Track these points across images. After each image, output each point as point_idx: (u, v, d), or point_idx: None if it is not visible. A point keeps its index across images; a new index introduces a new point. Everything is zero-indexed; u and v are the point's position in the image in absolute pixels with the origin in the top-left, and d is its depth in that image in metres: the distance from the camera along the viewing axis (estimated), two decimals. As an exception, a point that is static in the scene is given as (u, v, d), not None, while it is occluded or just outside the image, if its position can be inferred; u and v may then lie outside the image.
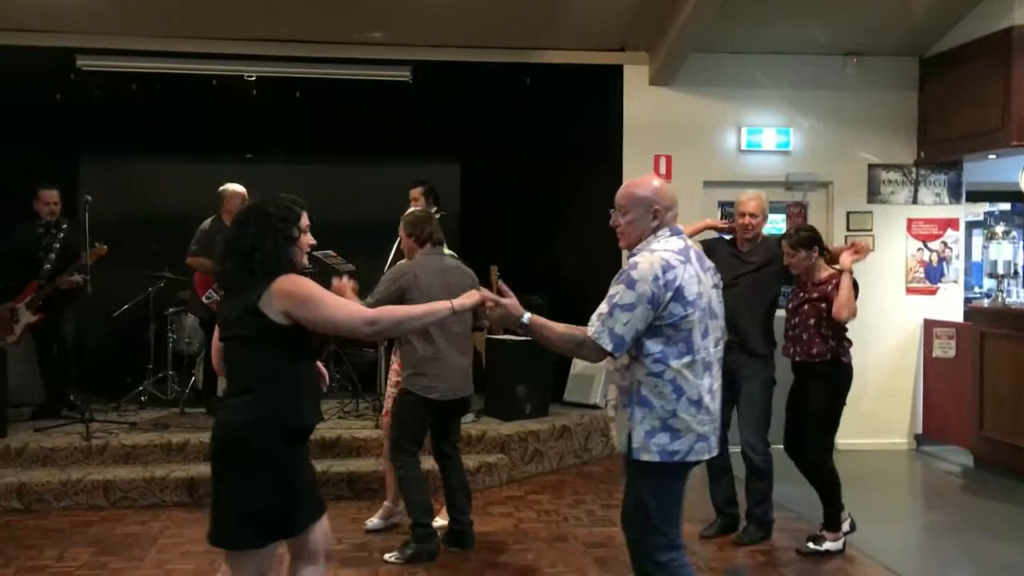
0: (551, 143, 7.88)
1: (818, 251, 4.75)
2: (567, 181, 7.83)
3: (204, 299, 6.76)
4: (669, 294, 2.89)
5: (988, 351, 6.61)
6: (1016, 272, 6.60)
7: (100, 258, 6.61)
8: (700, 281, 2.98)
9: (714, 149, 7.46)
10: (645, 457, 2.97)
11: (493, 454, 6.26)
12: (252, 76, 7.27)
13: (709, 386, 3.02)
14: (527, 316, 3.00)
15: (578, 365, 7.61)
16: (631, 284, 2.89)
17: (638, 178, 3.24)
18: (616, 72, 7.37)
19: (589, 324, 2.94)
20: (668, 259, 2.93)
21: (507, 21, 6.93)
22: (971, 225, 9.23)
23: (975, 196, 7.92)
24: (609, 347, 2.89)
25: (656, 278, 2.88)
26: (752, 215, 5.01)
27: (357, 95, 7.52)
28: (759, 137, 7.44)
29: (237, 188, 6.79)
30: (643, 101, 7.36)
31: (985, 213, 9.75)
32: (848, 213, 7.58)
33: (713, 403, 3.04)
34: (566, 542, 5.07)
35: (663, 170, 7.38)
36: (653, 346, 2.93)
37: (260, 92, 7.52)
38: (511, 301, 3.03)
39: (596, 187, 7.46)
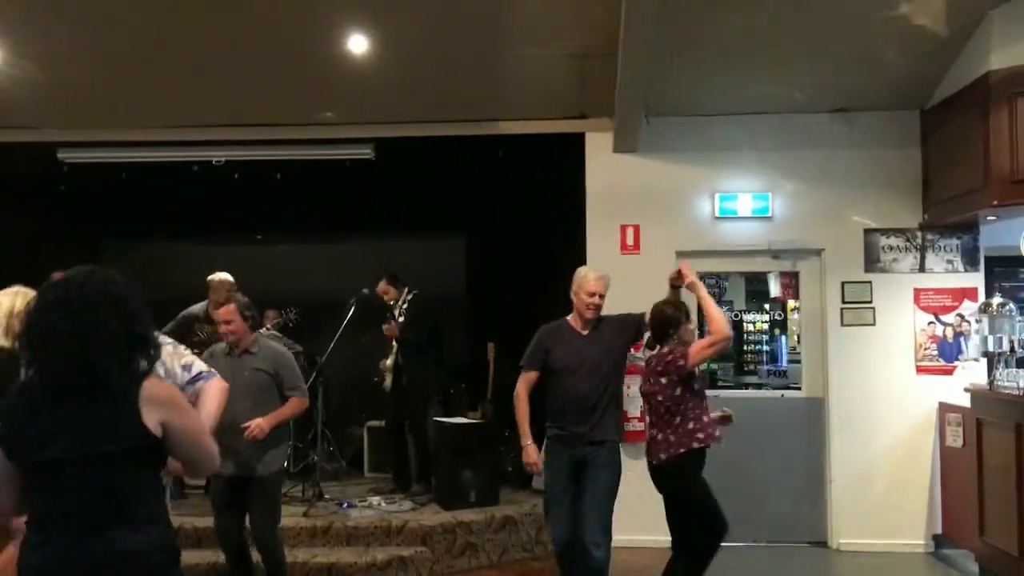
0: (523, 215, 7.60)
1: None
2: (545, 253, 7.48)
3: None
4: None
5: (985, 441, 5.69)
6: (1013, 349, 5.66)
7: None
8: None
9: (685, 217, 6.94)
10: None
11: (411, 547, 5.89)
12: (221, 161, 7.43)
13: None
14: None
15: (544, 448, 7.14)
16: None
17: None
18: (579, 140, 7.04)
19: None
20: None
21: (464, 92, 6.79)
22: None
23: (1001, 262, 6.95)
24: None
25: None
26: (601, 295, 4.79)
27: (336, 173, 7.56)
28: (733, 204, 6.87)
29: (222, 277, 6.84)
30: (606, 169, 6.98)
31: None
32: (843, 283, 6.82)
33: None
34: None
35: (631, 240, 6.94)
36: None
37: (249, 176, 7.70)
38: None
39: (566, 259, 7.13)
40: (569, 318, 4.90)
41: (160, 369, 3.06)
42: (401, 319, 6.98)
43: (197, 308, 6.97)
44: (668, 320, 4.73)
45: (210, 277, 6.89)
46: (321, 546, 5.88)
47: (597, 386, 4.68)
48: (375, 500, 6.53)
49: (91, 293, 2.33)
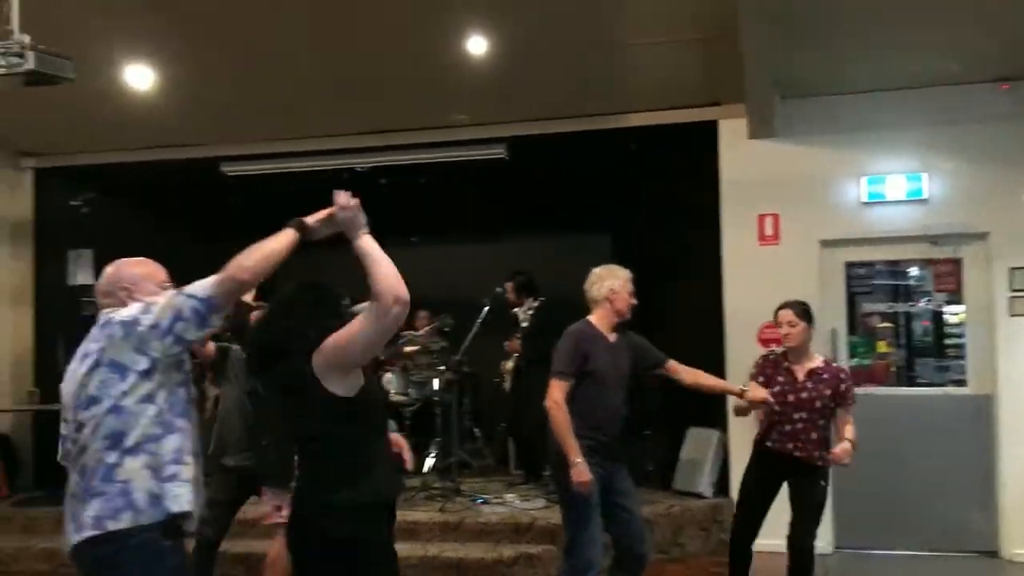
0: (657, 209, 7.39)
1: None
2: (672, 248, 7.26)
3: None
4: None
5: None
6: None
7: None
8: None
9: (829, 204, 6.54)
10: None
11: (539, 545, 5.87)
12: (364, 168, 7.70)
13: None
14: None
15: (687, 449, 6.94)
16: None
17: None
18: (712, 128, 6.78)
19: None
20: None
21: (592, 87, 6.72)
22: None
23: None
24: None
25: None
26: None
27: (471, 174, 7.68)
28: (882, 187, 6.40)
29: None
30: (742, 156, 6.69)
31: None
32: (1012, 269, 6.20)
33: None
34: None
35: (769, 230, 6.61)
36: None
37: (395, 181, 7.97)
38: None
39: (698, 253, 6.92)
40: (594, 321, 4.52)
41: None
42: (524, 324, 6.98)
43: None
44: None
45: None
46: (452, 541, 5.97)
47: (623, 399, 4.49)
48: (509, 497, 6.57)
49: None
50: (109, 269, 2.97)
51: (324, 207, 2.99)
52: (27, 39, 4.14)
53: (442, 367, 7.43)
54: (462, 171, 7.61)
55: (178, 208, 8.29)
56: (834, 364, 4.74)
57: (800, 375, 4.64)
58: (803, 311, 4.63)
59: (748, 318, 6.53)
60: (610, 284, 4.50)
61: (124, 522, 2.62)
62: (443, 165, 7.60)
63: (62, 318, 7.60)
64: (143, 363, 2.68)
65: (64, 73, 4.01)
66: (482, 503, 6.43)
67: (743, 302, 6.59)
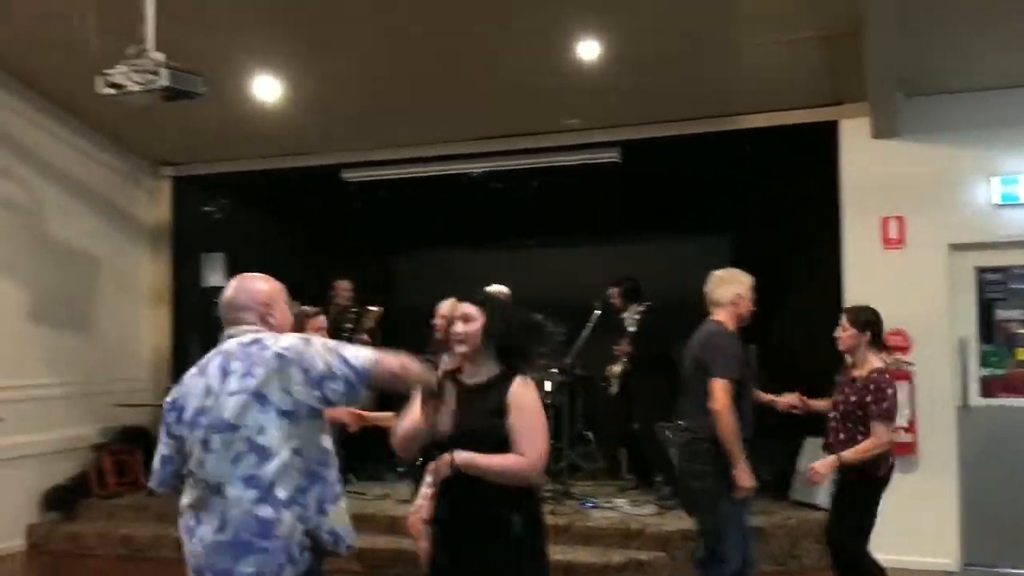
0: (773, 212, 7.22)
1: (871, 336, 4.29)
2: (790, 252, 7.07)
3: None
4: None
5: None
6: None
7: (378, 320, 7.57)
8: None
9: (958, 205, 6.23)
10: None
11: (650, 551, 5.83)
12: (477, 173, 7.84)
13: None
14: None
15: (804, 459, 6.74)
16: None
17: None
18: (832, 128, 6.58)
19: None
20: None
21: (706, 88, 6.63)
22: None
23: None
24: None
25: None
26: None
27: (585, 178, 7.70)
28: (1015, 187, 6.06)
29: (497, 291, 7.27)
30: (865, 157, 6.45)
31: None
32: None
33: None
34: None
35: (894, 233, 6.36)
36: None
37: (509, 185, 8.08)
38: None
39: (817, 257, 6.73)
40: (725, 322, 4.51)
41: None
42: (632, 329, 6.94)
43: None
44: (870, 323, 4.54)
45: (487, 289, 7.29)
46: (561, 544, 5.99)
47: None
48: (619, 502, 6.55)
49: None
50: (241, 283, 2.86)
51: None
52: (161, 57, 4.43)
53: (554, 370, 7.49)
54: (576, 174, 7.65)
55: (302, 214, 8.63)
56: (884, 373, 4.49)
57: (851, 378, 4.60)
58: (854, 318, 4.59)
59: (871, 324, 6.30)
60: (735, 289, 4.54)
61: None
62: (557, 169, 7.66)
63: (197, 318, 8.05)
64: (287, 404, 2.61)
65: (195, 89, 4.26)
66: (592, 507, 6.43)
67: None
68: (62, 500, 7.25)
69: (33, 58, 6.82)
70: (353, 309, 7.88)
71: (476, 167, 7.84)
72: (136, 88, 4.06)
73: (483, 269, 7.76)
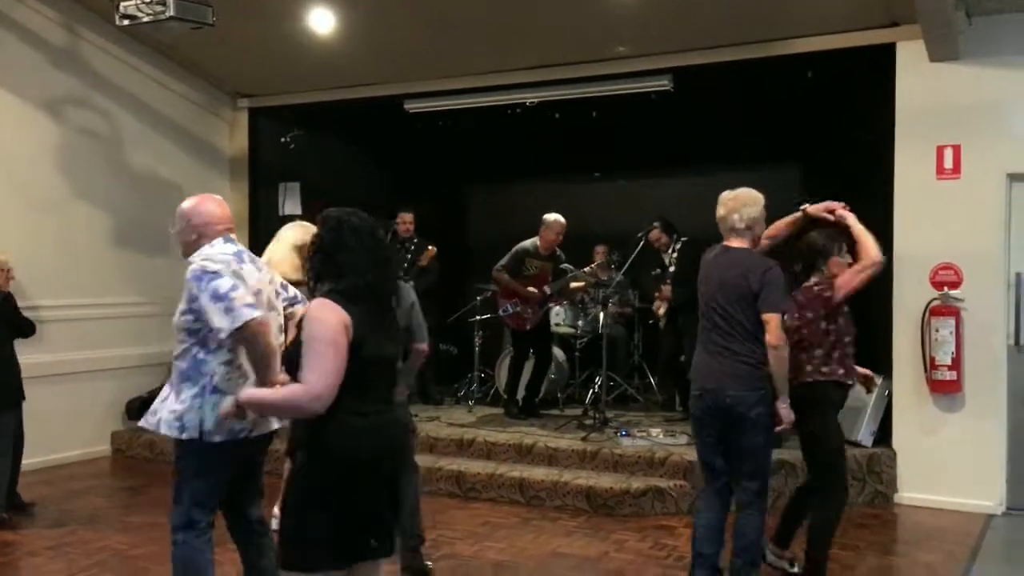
0: (824, 140, 6.95)
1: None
2: (839, 181, 6.80)
3: (500, 312, 7.57)
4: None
5: None
6: None
7: (432, 258, 7.74)
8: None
9: (1019, 134, 5.85)
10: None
11: (671, 479, 5.88)
12: (533, 102, 7.82)
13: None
14: None
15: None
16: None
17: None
18: (890, 51, 6.23)
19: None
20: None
21: (759, 11, 6.39)
22: None
23: None
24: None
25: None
26: None
27: (638, 106, 7.60)
28: (1081, 114, 5.63)
29: (554, 218, 7.37)
30: (921, 82, 6.11)
31: None
32: None
33: None
34: None
35: (949, 163, 6.04)
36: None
37: (567, 116, 8.07)
38: None
39: (870, 186, 6.47)
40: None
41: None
42: (672, 269, 6.88)
43: (528, 243, 7.51)
44: (818, 250, 4.32)
45: (545, 216, 7.39)
46: (588, 469, 6.14)
47: None
48: (655, 432, 6.60)
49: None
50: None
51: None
52: (167, -12, 4.60)
53: (611, 300, 7.55)
54: (632, 103, 7.55)
55: (370, 145, 8.86)
56: None
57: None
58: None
59: (920, 258, 6.06)
60: (751, 212, 4.10)
61: None
62: (613, 99, 7.58)
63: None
64: None
65: (204, 19, 4.44)
66: (624, 435, 6.51)
67: (916, 240, 6.11)
68: (142, 411, 7.84)
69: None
70: (414, 240, 8.08)
71: (531, 96, 7.83)
72: (146, 19, 4.28)
73: (542, 201, 7.87)
